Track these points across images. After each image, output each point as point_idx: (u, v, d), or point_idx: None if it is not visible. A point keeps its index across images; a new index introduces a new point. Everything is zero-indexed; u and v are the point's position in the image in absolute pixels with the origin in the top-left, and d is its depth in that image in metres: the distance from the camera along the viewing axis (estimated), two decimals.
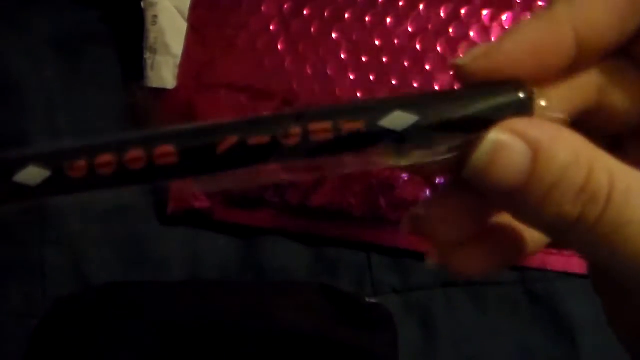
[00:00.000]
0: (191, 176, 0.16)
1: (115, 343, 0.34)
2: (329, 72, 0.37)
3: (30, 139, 0.39)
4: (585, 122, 0.19)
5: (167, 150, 0.15)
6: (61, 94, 0.40)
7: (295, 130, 0.16)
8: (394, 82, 0.36)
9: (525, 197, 0.16)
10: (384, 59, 0.37)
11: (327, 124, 0.16)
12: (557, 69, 0.18)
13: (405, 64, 0.37)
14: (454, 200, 0.18)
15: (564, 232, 0.16)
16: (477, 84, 0.17)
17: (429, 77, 0.36)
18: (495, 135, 0.16)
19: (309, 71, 0.37)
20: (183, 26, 0.38)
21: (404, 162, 0.17)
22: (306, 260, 0.38)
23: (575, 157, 0.16)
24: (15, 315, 0.37)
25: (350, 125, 0.16)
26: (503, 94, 0.17)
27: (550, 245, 0.37)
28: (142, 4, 0.38)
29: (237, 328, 0.34)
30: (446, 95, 0.17)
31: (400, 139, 0.16)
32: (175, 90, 0.38)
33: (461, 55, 0.17)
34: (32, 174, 0.15)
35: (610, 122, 0.20)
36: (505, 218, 0.20)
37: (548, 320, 0.38)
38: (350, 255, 0.38)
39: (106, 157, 0.15)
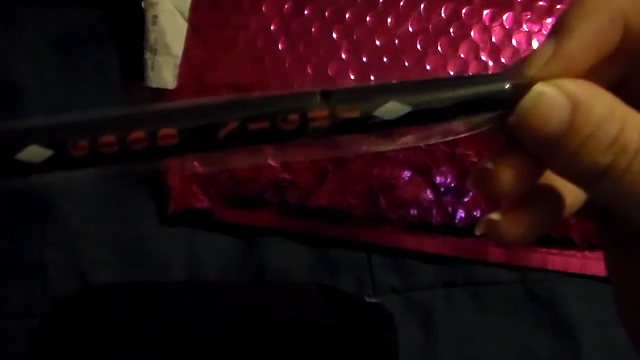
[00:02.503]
0: (191, 154, 0.16)
1: (115, 343, 0.34)
2: (329, 72, 0.37)
3: None
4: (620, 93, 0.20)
5: (169, 132, 0.16)
6: (61, 94, 0.40)
7: (294, 117, 0.16)
8: (394, 82, 0.36)
9: (563, 146, 0.18)
10: (385, 59, 0.37)
11: (325, 111, 0.16)
12: (607, 57, 0.19)
13: (406, 63, 0.37)
14: (515, 158, 0.20)
15: (595, 181, 0.18)
16: (477, 74, 0.18)
17: (429, 77, 0.36)
18: (540, 87, 0.18)
19: (309, 71, 0.37)
20: (183, 26, 0.38)
21: (393, 147, 0.18)
22: (306, 261, 0.38)
23: (611, 112, 0.17)
24: (15, 315, 0.37)
25: (347, 114, 0.16)
26: (491, 83, 0.18)
27: (549, 245, 0.37)
28: (143, 4, 0.38)
29: (237, 328, 0.34)
30: (438, 83, 0.18)
31: (392, 126, 0.17)
32: (176, 90, 0.38)
33: (525, 66, 0.18)
34: (35, 153, 0.15)
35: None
36: (545, 179, 0.21)
37: (548, 320, 0.38)
38: (350, 256, 0.38)
39: (109, 138, 0.16)
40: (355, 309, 0.35)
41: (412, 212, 0.37)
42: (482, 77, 0.18)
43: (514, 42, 0.37)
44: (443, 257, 0.38)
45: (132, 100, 0.39)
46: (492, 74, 0.18)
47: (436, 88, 0.18)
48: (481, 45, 0.37)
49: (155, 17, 0.38)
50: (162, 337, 0.34)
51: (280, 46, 0.37)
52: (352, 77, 0.37)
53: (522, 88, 0.18)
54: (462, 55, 0.37)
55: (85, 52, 0.41)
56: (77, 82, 0.41)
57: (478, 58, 0.37)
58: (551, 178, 0.21)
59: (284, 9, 0.38)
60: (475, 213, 0.37)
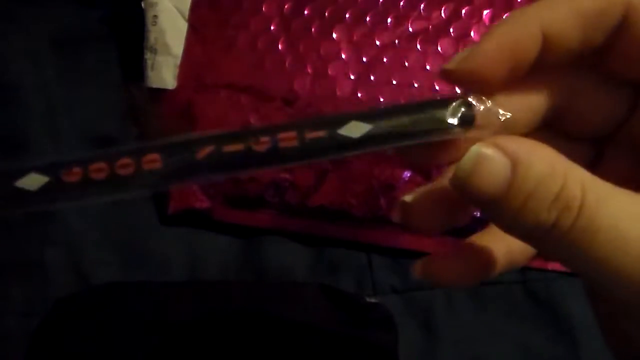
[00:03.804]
0: (175, 180, 0.18)
1: (115, 343, 0.34)
2: (329, 72, 0.37)
3: (30, 139, 0.39)
4: (561, 125, 0.21)
5: (153, 158, 0.18)
6: (61, 94, 0.40)
7: (265, 139, 0.18)
8: (394, 82, 0.36)
9: (505, 205, 0.17)
10: (385, 59, 0.37)
11: (293, 133, 0.18)
12: (527, 64, 0.19)
13: (406, 64, 0.37)
14: (440, 191, 0.20)
15: (541, 239, 0.18)
16: (429, 99, 0.19)
17: (429, 77, 0.36)
18: (478, 148, 0.18)
19: (309, 71, 0.37)
20: (183, 26, 0.38)
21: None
22: (306, 260, 0.38)
23: (551, 168, 0.17)
24: (16, 315, 0.37)
25: (314, 134, 0.18)
26: (445, 108, 0.19)
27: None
28: (143, 4, 0.38)
29: (237, 328, 0.34)
30: (397, 108, 0.19)
31: (356, 145, 0.19)
32: (176, 90, 0.38)
33: (448, 62, 0.20)
34: (33, 180, 0.17)
35: (583, 127, 0.21)
36: (480, 238, 0.22)
37: (548, 320, 0.38)
38: (350, 256, 0.38)
39: (99, 164, 0.18)
40: (355, 309, 0.35)
41: None
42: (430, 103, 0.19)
43: None
44: None
45: (132, 100, 0.39)
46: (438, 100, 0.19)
47: (395, 112, 0.19)
48: None
49: (155, 17, 0.38)
50: (162, 337, 0.34)
51: (280, 46, 0.37)
52: (352, 77, 0.37)
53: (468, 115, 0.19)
54: None
55: (85, 52, 0.41)
56: (77, 82, 0.41)
57: None
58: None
59: (284, 9, 0.38)
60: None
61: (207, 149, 0.18)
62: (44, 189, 0.17)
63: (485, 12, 0.37)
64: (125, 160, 0.18)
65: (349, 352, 0.34)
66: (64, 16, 0.41)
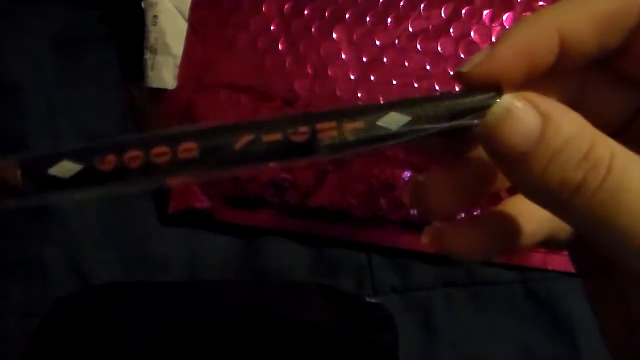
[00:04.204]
0: (211, 171, 0.18)
1: (115, 343, 0.34)
2: (329, 72, 0.37)
3: (30, 139, 0.39)
4: None
5: (190, 146, 0.17)
6: (61, 94, 0.40)
7: (304, 129, 0.18)
8: (394, 82, 0.36)
9: (532, 160, 0.17)
10: (385, 59, 0.37)
11: (332, 123, 0.18)
12: (544, 68, 0.19)
13: (406, 63, 0.37)
14: (454, 174, 0.20)
15: (565, 201, 0.17)
16: (462, 90, 0.19)
17: (429, 77, 0.36)
18: (510, 99, 0.18)
19: (309, 71, 0.37)
20: (183, 26, 0.38)
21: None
22: (306, 261, 0.38)
23: (580, 129, 0.17)
24: (15, 315, 0.37)
25: (353, 125, 0.18)
26: (480, 96, 0.19)
27: (545, 248, 0.37)
28: (143, 4, 0.38)
29: (237, 328, 0.34)
30: (433, 97, 0.19)
31: (394, 136, 0.18)
32: (176, 90, 0.38)
33: (462, 64, 0.19)
34: (66, 168, 0.17)
35: (593, 122, 0.21)
36: (505, 206, 0.21)
37: (548, 320, 0.38)
38: (350, 256, 0.38)
39: (135, 152, 0.17)
40: (355, 309, 0.35)
41: (412, 212, 0.37)
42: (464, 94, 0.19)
43: None
44: (443, 257, 0.38)
45: (132, 100, 0.39)
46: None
47: (428, 101, 0.19)
48: (481, 45, 0.37)
49: (155, 17, 0.38)
50: (163, 337, 0.34)
51: (280, 46, 0.37)
52: (352, 77, 0.37)
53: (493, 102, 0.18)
54: (462, 55, 0.37)
55: (85, 52, 0.41)
56: (77, 82, 0.41)
57: None
58: (511, 205, 0.21)
59: (284, 9, 0.38)
60: (475, 213, 0.37)
61: (245, 139, 0.17)
62: (76, 176, 0.17)
63: (485, 12, 0.37)
64: (161, 149, 0.17)
65: (349, 352, 0.33)
66: (64, 16, 0.41)
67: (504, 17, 0.37)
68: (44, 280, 0.37)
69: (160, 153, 0.17)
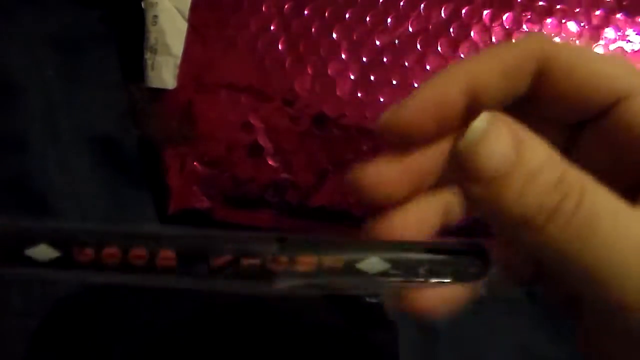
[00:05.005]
0: (187, 281, 0.18)
1: (115, 343, 0.34)
2: (329, 72, 0.37)
3: (30, 139, 0.39)
4: None
5: (168, 255, 0.18)
6: (61, 94, 0.40)
7: (284, 259, 0.18)
8: (394, 82, 0.36)
9: (509, 183, 0.17)
10: (385, 59, 0.37)
11: (312, 258, 0.18)
12: (454, 117, 0.20)
13: (406, 64, 0.37)
14: (396, 162, 0.21)
15: (539, 228, 0.17)
16: (445, 242, 0.20)
17: (429, 77, 0.36)
18: (487, 121, 0.18)
19: (309, 71, 0.37)
20: (183, 26, 0.38)
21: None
22: None
23: (552, 155, 0.17)
24: (15, 315, 0.37)
25: (331, 263, 0.18)
26: (463, 259, 0.19)
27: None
28: (143, 4, 0.38)
29: (237, 328, 0.34)
30: (416, 246, 0.20)
31: (370, 280, 0.19)
32: (176, 90, 0.38)
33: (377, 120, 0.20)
34: (43, 252, 0.17)
35: None
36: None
37: (548, 320, 0.38)
38: None
39: (113, 250, 0.17)
40: (356, 309, 0.35)
41: None
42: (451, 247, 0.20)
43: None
44: None
45: (132, 100, 0.39)
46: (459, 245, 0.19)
47: (410, 249, 0.19)
48: (481, 45, 0.37)
49: (155, 17, 0.38)
50: (162, 338, 0.34)
51: (280, 46, 0.37)
52: (352, 77, 0.37)
53: (486, 265, 0.19)
54: (462, 56, 0.37)
55: (85, 52, 0.41)
56: (77, 82, 0.41)
57: None
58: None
59: (284, 9, 0.38)
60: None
61: (224, 259, 0.18)
62: (52, 262, 0.17)
63: (485, 12, 0.37)
64: (140, 252, 0.17)
65: (349, 352, 0.34)
66: (64, 16, 0.41)
67: (504, 17, 0.37)
68: (44, 280, 0.37)
69: (139, 256, 0.17)
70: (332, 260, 0.18)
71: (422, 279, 0.19)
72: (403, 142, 0.20)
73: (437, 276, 0.19)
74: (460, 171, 0.18)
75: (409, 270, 0.19)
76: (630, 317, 0.17)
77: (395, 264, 0.19)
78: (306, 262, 0.18)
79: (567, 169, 0.17)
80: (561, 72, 0.20)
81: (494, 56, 0.20)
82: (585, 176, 0.17)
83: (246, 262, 0.18)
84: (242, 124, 0.37)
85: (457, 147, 0.18)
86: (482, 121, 0.18)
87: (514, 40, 0.21)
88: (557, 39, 0.21)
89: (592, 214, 0.17)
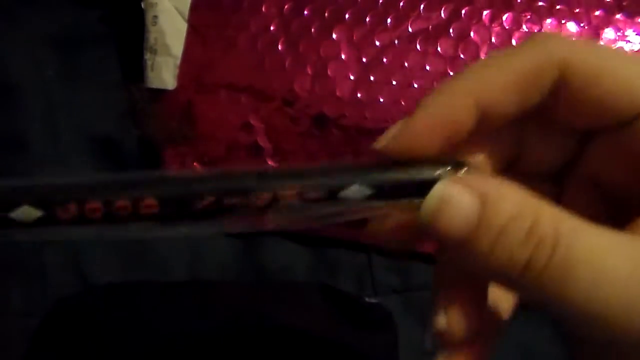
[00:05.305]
0: (170, 224, 0.18)
1: (115, 343, 0.34)
2: (329, 72, 0.37)
3: (30, 139, 0.39)
4: (515, 167, 0.21)
5: (151, 202, 0.18)
6: (61, 94, 0.40)
7: (266, 195, 0.18)
8: (394, 83, 0.36)
9: (476, 244, 0.17)
10: (385, 59, 0.37)
11: (293, 190, 0.18)
12: (463, 134, 0.19)
13: (406, 64, 0.37)
14: (458, 302, 0.19)
15: (516, 280, 0.17)
16: (421, 157, 0.19)
17: (429, 78, 0.36)
18: (443, 187, 0.17)
19: (309, 71, 0.37)
20: (183, 27, 0.38)
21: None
22: (306, 261, 0.38)
23: (521, 206, 0.17)
24: (15, 315, 0.37)
25: (314, 194, 0.18)
26: (439, 169, 0.18)
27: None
28: (143, 5, 0.38)
29: (237, 328, 0.34)
30: (396, 167, 0.19)
31: (355, 206, 0.19)
32: (176, 90, 0.38)
33: (378, 139, 0.19)
34: (27, 213, 0.17)
35: (536, 168, 0.21)
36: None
37: (548, 320, 0.38)
38: (350, 256, 0.38)
39: (95, 204, 0.17)
40: (355, 309, 0.35)
41: None
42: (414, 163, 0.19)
43: (513, 42, 0.37)
44: None
45: (132, 100, 0.39)
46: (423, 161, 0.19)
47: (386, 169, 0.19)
48: (481, 45, 0.37)
49: (155, 17, 0.38)
50: (162, 338, 0.34)
51: (280, 46, 0.37)
52: (352, 77, 0.37)
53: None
54: (462, 56, 0.37)
55: (85, 52, 0.41)
56: (77, 82, 0.41)
57: (478, 58, 0.37)
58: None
59: (284, 9, 0.38)
60: None
61: (207, 201, 0.18)
62: (37, 221, 0.17)
63: (485, 12, 0.37)
64: (122, 203, 0.17)
65: (349, 352, 0.34)
66: (64, 16, 0.41)
67: (504, 17, 0.37)
68: (44, 280, 0.37)
69: (122, 207, 0.17)
70: (314, 188, 0.18)
71: (406, 201, 0.18)
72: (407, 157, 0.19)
73: (422, 195, 0.18)
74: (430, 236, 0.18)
75: (393, 193, 0.18)
76: (624, 343, 0.17)
77: (378, 187, 0.18)
78: (288, 194, 0.18)
79: (539, 213, 0.17)
80: (583, 79, 0.18)
81: (506, 65, 0.19)
82: (562, 216, 0.17)
83: (229, 201, 0.18)
84: (242, 124, 0.37)
85: (418, 218, 0.18)
86: (437, 190, 0.17)
87: (529, 41, 0.19)
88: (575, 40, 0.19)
89: (567, 259, 0.16)
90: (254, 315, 0.34)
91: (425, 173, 0.18)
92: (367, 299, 0.36)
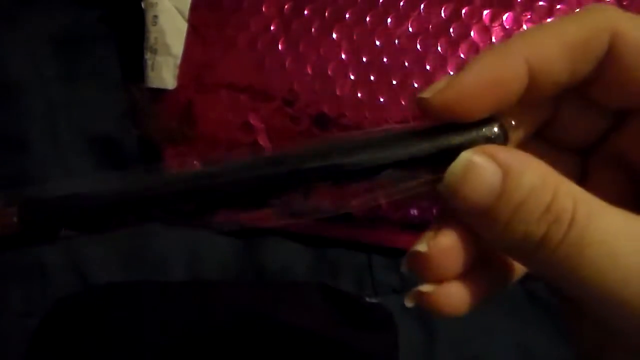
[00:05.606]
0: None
1: (115, 343, 0.34)
2: (329, 72, 0.37)
3: (30, 139, 0.39)
4: (545, 135, 0.21)
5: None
6: (61, 94, 0.40)
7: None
8: (394, 82, 0.36)
9: (494, 215, 0.17)
10: (385, 59, 0.37)
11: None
12: (513, 99, 0.18)
13: (406, 64, 0.37)
14: (451, 235, 0.19)
15: (530, 253, 0.17)
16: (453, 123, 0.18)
17: (429, 78, 0.36)
18: (469, 155, 0.17)
19: (309, 71, 0.37)
20: (183, 26, 0.38)
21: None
22: (306, 261, 0.38)
23: (542, 180, 0.17)
24: (15, 315, 0.37)
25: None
26: (477, 128, 0.18)
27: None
28: (143, 4, 0.38)
29: (237, 328, 0.34)
30: (425, 133, 0.19)
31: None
32: (176, 90, 0.38)
33: (423, 90, 0.18)
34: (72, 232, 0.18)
35: (567, 138, 0.21)
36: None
37: (548, 320, 0.38)
38: (350, 256, 0.38)
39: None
40: (355, 309, 0.35)
41: (412, 212, 0.37)
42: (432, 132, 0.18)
43: None
44: None
45: (132, 100, 0.39)
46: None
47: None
48: (481, 45, 0.37)
49: (155, 17, 0.38)
50: (162, 338, 0.34)
51: (280, 46, 0.37)
52: (352, 77, 0.37)
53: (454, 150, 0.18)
54: (462, 56, 0.37)
55: (85, 52, 0.41)
56: (77, 82, 0.41)
57: None
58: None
59: (284, 9, 0.38)
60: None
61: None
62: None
63: (485, 12, 0.37)
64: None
65: (349, 352, 0.33)
66: (64, 16, 0.41)
67: (504, 17, 0.37)
68: (44, 280, 0.37)
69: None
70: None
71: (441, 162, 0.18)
72: (443, 119, 0.18)
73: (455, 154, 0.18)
74: (449, 207, 0.18)
75: (422, 156, 0.18)
76: (636, 325, 0.17)
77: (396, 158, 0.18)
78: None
79: (559, 190, 0.17)
80: (633, 54, 0.18)
81: (561, 31, 0.18)
82: (581, 195, 0.17)
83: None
84: (242, 124, 0.37)
85: (441, 186, 0.18)
86: (462, 158, 0.17)
87: (583, 10, 0.18)
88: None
89: (582, 237, 0.16)
90: (254, 315, 0.34)
91: (459, 137, 0.18)
92: (367, 299, 0.36)
